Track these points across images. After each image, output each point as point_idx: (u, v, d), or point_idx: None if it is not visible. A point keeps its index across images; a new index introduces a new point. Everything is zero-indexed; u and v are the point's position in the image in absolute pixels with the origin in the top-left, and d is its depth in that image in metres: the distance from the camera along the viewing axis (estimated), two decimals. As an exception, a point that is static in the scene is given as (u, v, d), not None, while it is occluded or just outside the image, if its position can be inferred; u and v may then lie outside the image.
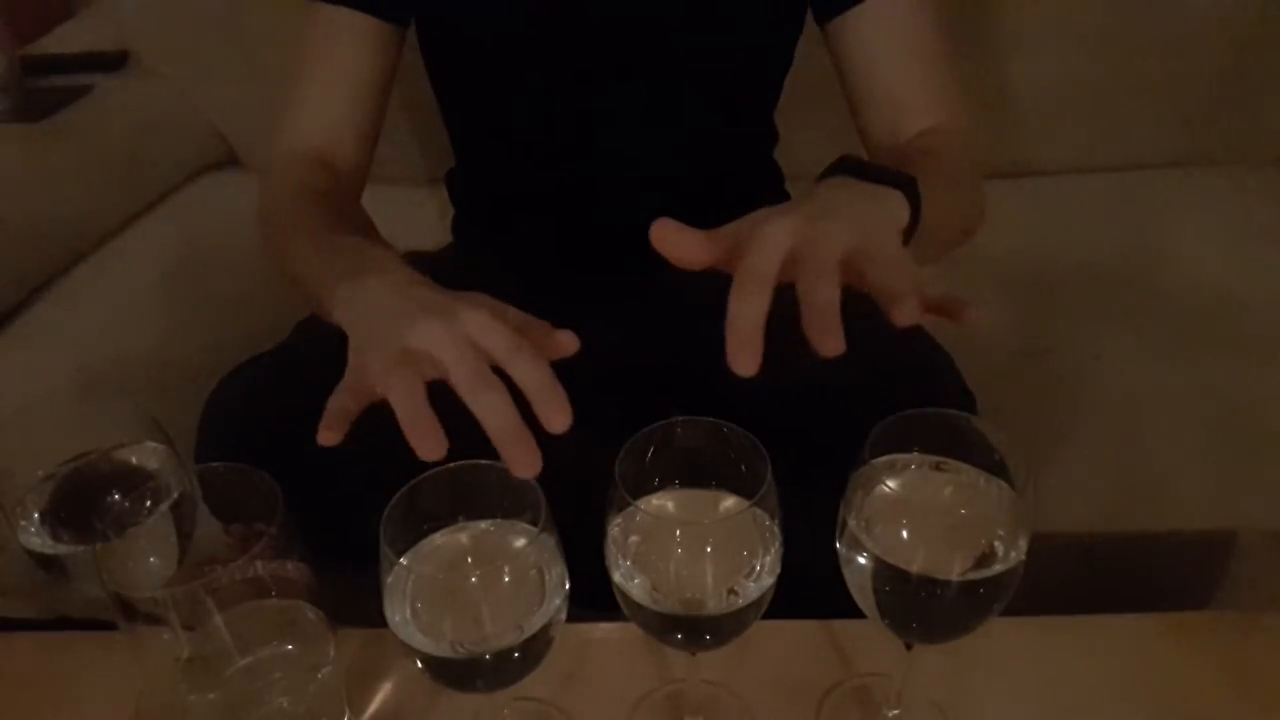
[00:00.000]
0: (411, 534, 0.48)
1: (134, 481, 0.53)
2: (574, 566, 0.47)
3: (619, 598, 0.48)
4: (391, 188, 1.21)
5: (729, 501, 0.49)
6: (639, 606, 0.47)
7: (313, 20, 0.79)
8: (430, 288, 0.54)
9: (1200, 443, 0.92)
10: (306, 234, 0.68)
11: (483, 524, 0.50)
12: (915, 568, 0.45)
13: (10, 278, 1.16)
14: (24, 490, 0.54)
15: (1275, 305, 1.05)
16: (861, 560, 0.47)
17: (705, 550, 0.47)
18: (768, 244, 0.47)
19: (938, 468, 0.50)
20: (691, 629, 0.48)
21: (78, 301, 1.19)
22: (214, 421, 0.73)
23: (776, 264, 0.46)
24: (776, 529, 0.47)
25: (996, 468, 0.48)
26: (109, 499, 0.53)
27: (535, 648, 0.46)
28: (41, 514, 0.54)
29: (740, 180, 0.91)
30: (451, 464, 0.47)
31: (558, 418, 0.46)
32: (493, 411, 0.45)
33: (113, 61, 1.40)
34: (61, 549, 0.53)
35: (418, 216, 1.16)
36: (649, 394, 0.74)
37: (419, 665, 0.46)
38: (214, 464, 0.51)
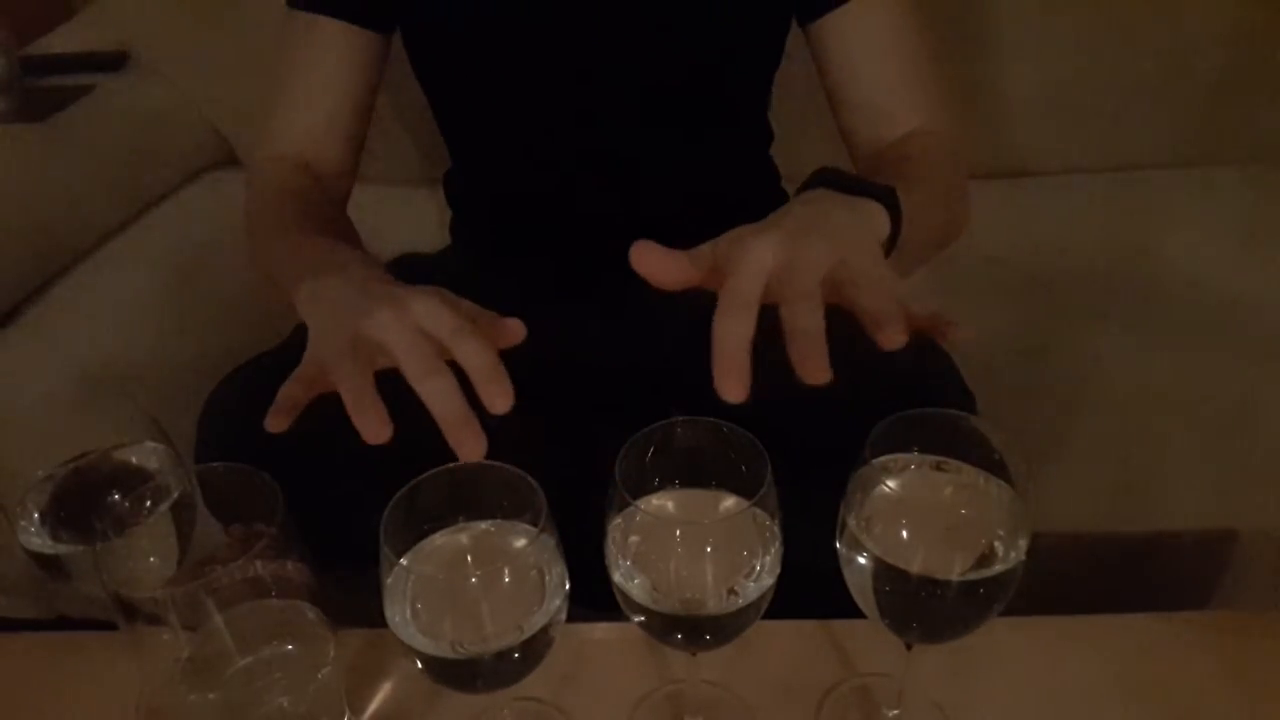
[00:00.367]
0: (411, 534, 0.48)
1: (134, 481, 0.53)
2: (574, 566, 0.47)
3: (619, 598, 0.48)
4: (390, 189, 1.21)
5: (729, 501, 0.49)
6: (639, 606, 0.47)
7: (295, 28, 0.79)
8: (388, 283, 0.55)
9: (1200, 443, 0.92)
10: (282, 233, 0.70)
11: (483, 524, 0.50)
12: (915, 568, 0.45)
13: (10, 278, 1.16)
14: (24, 490, 0.54)
15: (1275, 305, 1.05)
16: (861, 560, 0.47)
17: (705, 550, 0.47)
18: (749, 265, 0.47)
19: (938, 468, 0.50)
20: (691, 629, 0.48)
21: (78, 301, 1.19)
22: (214, 422, 0.73)
23: (759, 285, 0.47)
24: (776, 529, 0.47)
25: (996, 468, 0.48)
26: (109, 499, 0.53)
27: (535, 648, 0.46)
28: (41, 514, 0.54)
29: (735, 179, 0.91)
30: (451, 464, 0.47)
31: (499, 399, 0.47)
32: (438, 396, 0.47)
33: (113, 61, 1.40)
34: (61, 549, 0.53)
35: (416, 217, 1.16)
36: (649, 394, 0.74)
37: (419, 665, 0.46)
38: (214, 464, 0.51)
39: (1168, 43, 1.21)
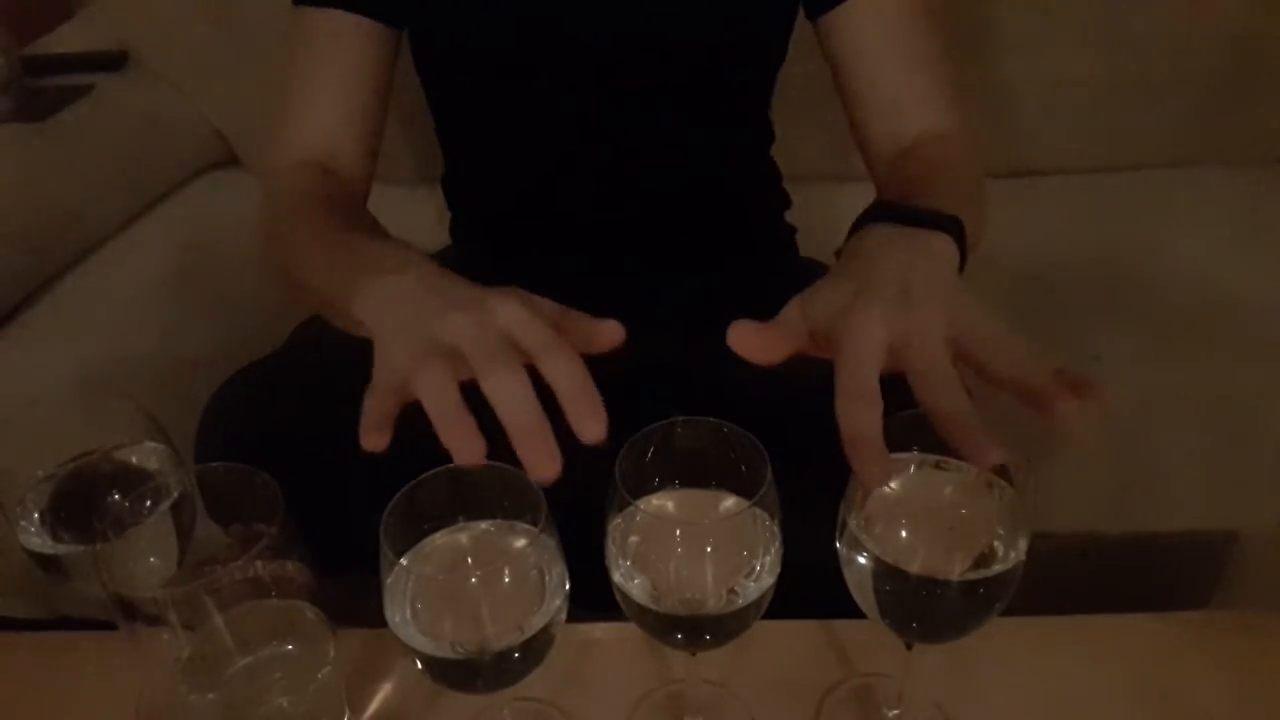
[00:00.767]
0: (411, 534, 0.48)
1: (134, 481, 0.53)
2: (574, 566, 0.47)
3: (619, 598, 0.48)
4: (390, 188, 1.21)
5: (729, 501, 0.49)
6: (639, 606, 0.47)
7: (304, 25, 0.77)
8: (458, 280, 0.51)
9: (1200, 443, 0.92)
10: (315, 238, 0.65)
11: (483, 524, 0.50)
12: (915, 568, 0.45)
13: (10, 278, 1.16)
14: (24, 490, 0.54)
15: (1275, 305, 1.05)
16: (861, 560, 0.47)
17: (705, 550, 0.47)
18: (864, 348, 0.45)
19: (938, 467, 0.50)
20: (691, 629, 0.48)
21: (78, 301, 1.19)
22: (214, 422, 0.73)
23: (878, 370, 0.44)
24: (776, 529, 0.47)
25: (996, 468, 0.48)
26: (109, 499, 0.53)
27: (535, 648, 0.46)
28: (41, 514, 0.54)
29: (737, 179, 0.91)
30: (451, 464, 0.47)
31: (591, 424, 0.43)
32: (508, 393, 0.42)
33: (113, 61, 1.40)
34: (61, 549, 0.53)
35: (416, 217, 1.16)
36: (649, 394, 0.74)
37: (419, 665, 0.46)
38: (214, 464, 0.51)
39: (1168, 43, 1.21)
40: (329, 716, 0.55)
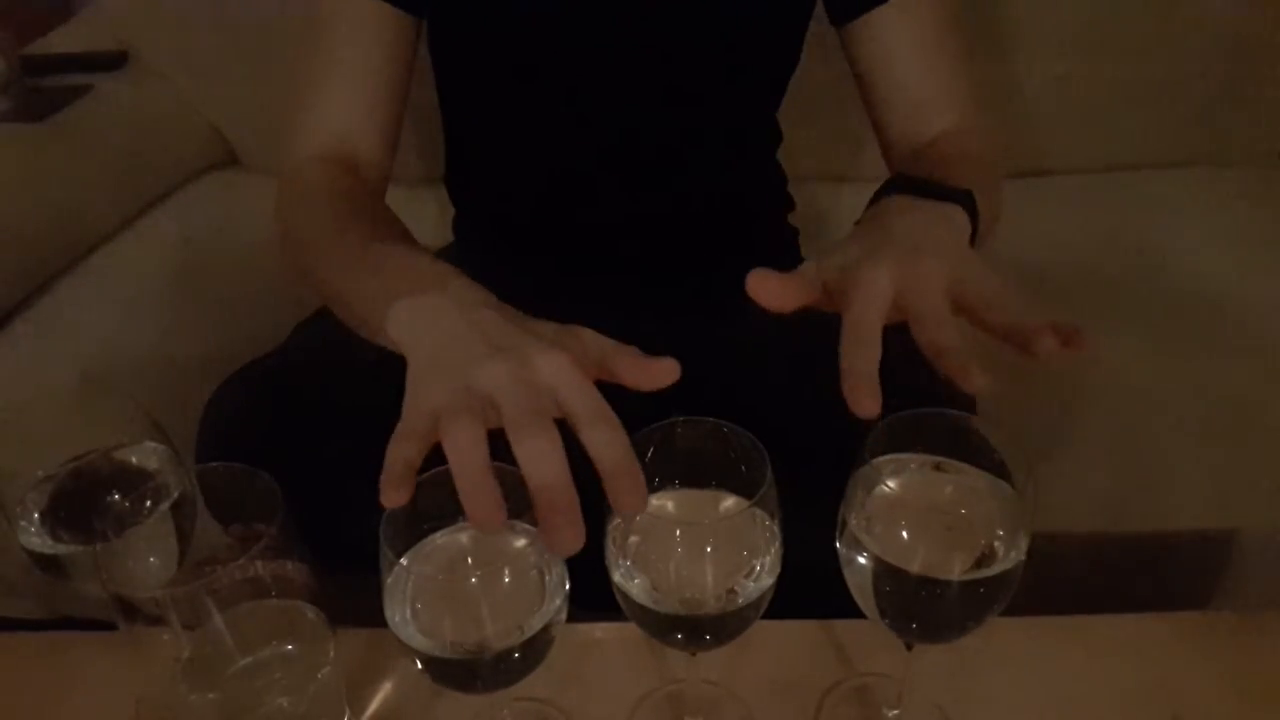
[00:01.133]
0: (411, 534, 0.48)
1: (134, 481, 0.53)
2: (574, 566, 0.47)
3: (619, 598, 0.48)
4: (392, 187, 1.21)
5: (729, 501, 0.49)
6: (639, 606, 0.47)
7: (327, 12, 0.76)
8: (498, 311, 0.49)
9: (1200, 443, 0.92)
10: (342, 245, 0.63)
11: (483, 524, 0.50)
12: (915, 568, 0.45)
13: (10, 277, 1.16)
14: (24, 490, 0.54)
15: (1275, 305, 1.05)
16: (861, 560, 0.47)
17: (705, 550, 0.47)
18: (870, 295, 0.48)
19: (938, 468, 0.50)
20: (691, 629, 0.48)
21: (78, 301, 1.19)
22: (214, 422, 0.73)
23: (882, 315, 0.47)
24: (776, 529, 0.47)
25: (996, 468, 0.48)
26: (109, 499, 0.53)
27: (535, 648, 0.46)
28: (41, 514, 0.54)
29: (743, 181, 0.91)
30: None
31: (630, 498, 0.42)
32: (538, 459, 0.41)
33: (113, 61, 1.40)
34: (61, 549, 0.53)
35: (418, 216, 1.15)
36: (649, 394, 0.74)
37: (419, 665, 0.46)
38: (214, 464, 0.51)
39: (1168, 44, 1.21)
40: (329, 716, 0.55)
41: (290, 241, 0.70)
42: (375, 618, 0.46)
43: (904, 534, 0.47)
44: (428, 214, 1.15)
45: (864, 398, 0.44)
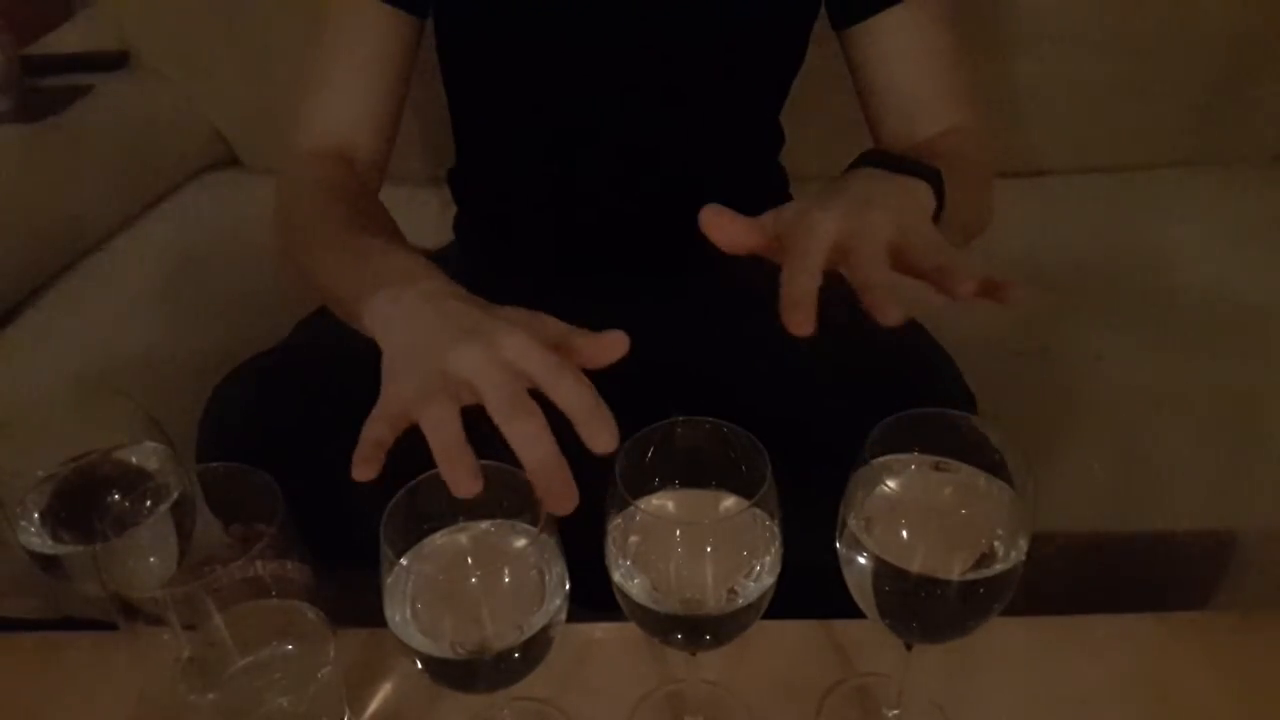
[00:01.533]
0: (411, 534, 0.48)
1: (134, 481, 0.53)
2: (574, 566, 0.47)
3: (619, 598, 0.48)
4: (391, 187, 1.21)
5: (729, 501, 0.49)
6: (639, 606, 0.47)
7: (334, 11, 0.78)
8: (466, 301, 0.52)
9: (1200, 443, 0.92)
10: (331, 236, 0.66)
11: (483, 524, 0.50)
12: (915, 568, 0.45)
13: (10, 278, 1.16)
14: (24, 490, 0.54)
15: (1275, 305, 1.05)
16: (861, 560, 0.47)
17: (705, 550, 0.47)
18: (817, 232, 0.49)
19: (938, 468, 0.50)
20: (691, 629, 0.48)
21: (78, 301, 1.19)
22: (214, 421, 0.73)
23: (825, 250, 0.49)
24: (776, 529, 0.47)
25: (996, 468, 0.48)
26: (109, 499, 0.53)
27: (535, 648, 0.46)
28: (41, 514, 0.54)
29: (746, 181, 0.91)
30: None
31: (602, 437, 0.45)
32: (529, 442, 0.44)
33: (113, 61, 1.40)
34: (61, 549, 0.53)
35: (418, 216, 1.16)
36: (649, 394, 0.74)
37: (419, 665, 0.46)
38: (214, 464, 0.51)
39: (1168, 43, 1.21)
40: (329, 716, 0.55)
41: (285, 235, 0.73)
42: (375, 618, 0.46)
43: (904, 534, 0.47)
44: (428, 214, 1.15)
45: (798, 316, 0.46)
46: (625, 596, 0.47)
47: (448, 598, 0.47)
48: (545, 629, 0.46)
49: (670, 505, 0.51)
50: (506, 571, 0.45)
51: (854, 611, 0.49)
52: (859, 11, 0.77)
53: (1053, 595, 0.60)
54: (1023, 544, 0.46)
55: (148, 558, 0.51)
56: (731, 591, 0.47)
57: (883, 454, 0.48)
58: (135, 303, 1.17)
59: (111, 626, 0.47)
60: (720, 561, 0.47)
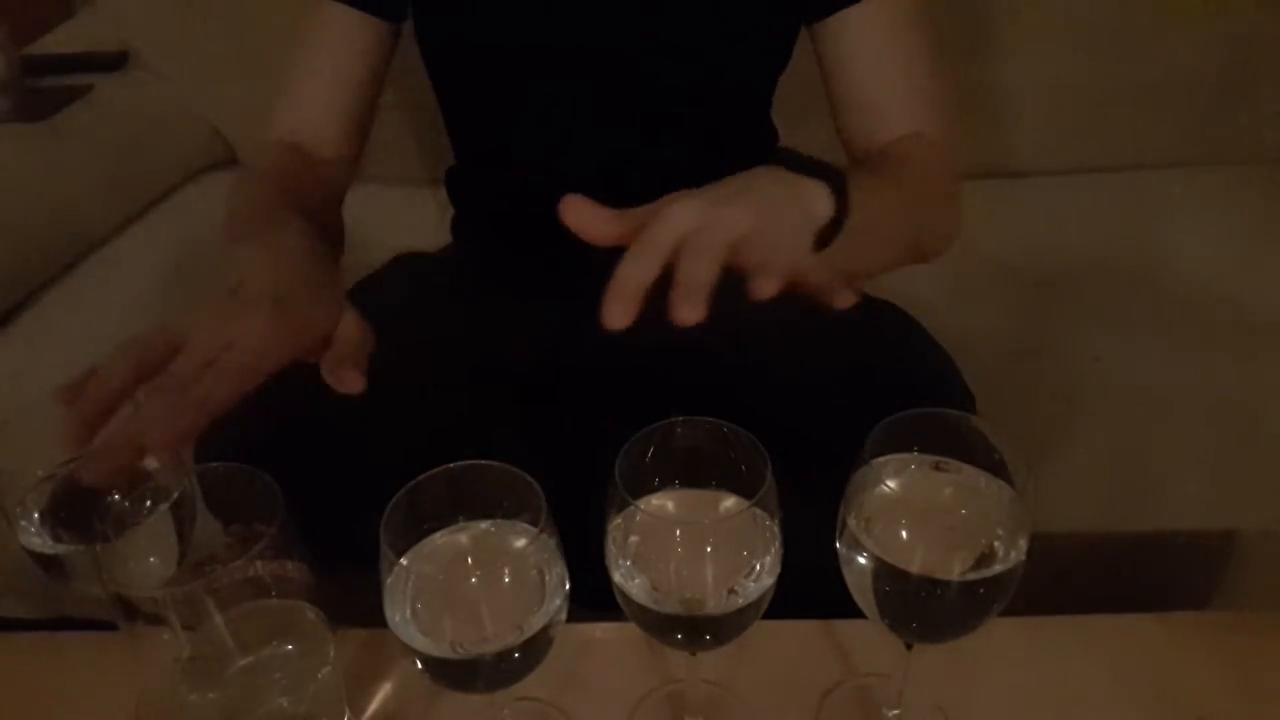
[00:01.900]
0: (411, 534, 0.48)
1: (134, 481, 0.53)
2: (574, 566, 0.47)
3: (619, 598, 0.48)
4: (391, 188, 1.21)
5: (729, 501, 0.49)
6: (639, 606, 0.47)
7: (312, 11, 0.80)
8: (274, 272, 0.56)
9: (1200, 443, 0.92)
10: (248, 196, 0.72)
11: (483, 524, 0.50)
12: (915, 568, 0.45)
13: (10, 278, 1.16)
14: (24, 490, 0.54)
15: (1275, 305, 1.05)
16: (861, 560, 0.47)
17: (705, 550, 0.47)
18: (669, 220, 0.49)
19: (937, 468, 0.50)
20: (691, 629, 0.48)
21: (78, 301, 1.19)
22: (214, 422, 0.73)
23: (673, 238, 0.49)
24: (776, 529, 0.47)
25: (996, 468, 0.48)
26: (109, 499, 0.53)
27: (535, 648, 0.46)
28: (41, 514, 0.54)
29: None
30: (451, 464, 0.47)
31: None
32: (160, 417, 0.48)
33: (113, 61, 1.40)
34: (61, 549, 0.53)
35: (418, 216, 1.16)
36: (649, 394, 0.74)
37: (419, 665, 0.46)
38: (214, 464, 0.51)
39: (1168, 44, 1.21)
40: (329, 716, 0.55)
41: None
42: (375, 618, 0.46)
43: (904, 534, 0.47)
44: (428, 214, 1.15)
45: (616, 306, 0.47)
46: (625, 596, 0.47)
47: (448, 598, 0.47)
48: (545, 629, 0.46)
49: (670, 505, 0.50)
50: (506, 571, 0.45)
51: (854, 611, 0.49)
52: (823, 7, 0.77)
53: (1053, 595, 0.60)
54: (1023, 544, 0.46)
55: (148, 558, 0.51)
56: (731, 591, 0.47)
57: (883, 454, 0.48)
58: (135, 303, 1.17)
59: (111, 626, 0.47)
60: (720, 561, 0.47)
